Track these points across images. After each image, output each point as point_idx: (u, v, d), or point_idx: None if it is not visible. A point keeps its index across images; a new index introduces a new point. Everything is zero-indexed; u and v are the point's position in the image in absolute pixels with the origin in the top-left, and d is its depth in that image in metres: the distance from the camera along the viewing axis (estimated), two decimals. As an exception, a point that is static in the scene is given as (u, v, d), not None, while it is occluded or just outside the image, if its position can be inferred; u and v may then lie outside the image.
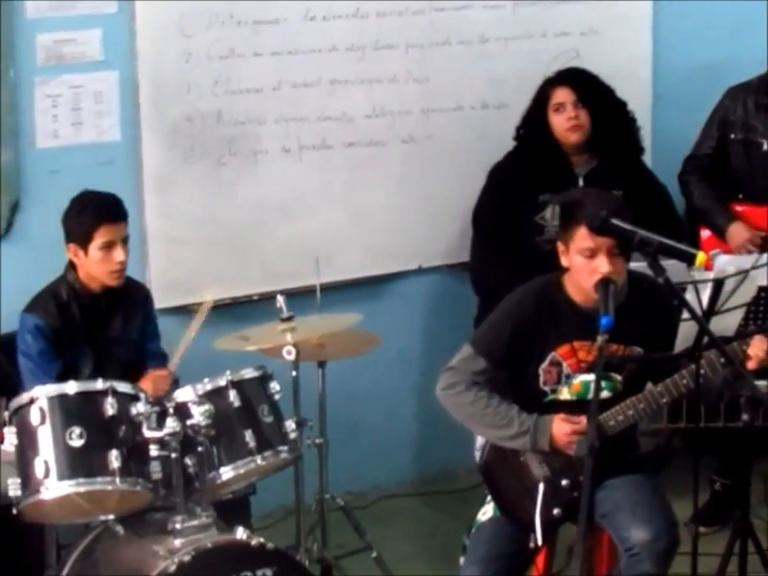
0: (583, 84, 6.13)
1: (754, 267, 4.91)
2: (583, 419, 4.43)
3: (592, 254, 4.53)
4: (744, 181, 6.13)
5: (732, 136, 6.13)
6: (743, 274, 4.77)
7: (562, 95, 6.08)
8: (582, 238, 4.54)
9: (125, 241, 5.18)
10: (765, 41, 6.12)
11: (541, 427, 4.63)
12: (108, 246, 5.11)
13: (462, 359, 4.82)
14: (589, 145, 6.08)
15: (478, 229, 6.34)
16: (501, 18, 6.61)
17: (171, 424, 4.70)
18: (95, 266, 5.15)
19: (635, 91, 6.39)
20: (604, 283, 4.43)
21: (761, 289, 4.81)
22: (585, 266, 4.56)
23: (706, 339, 4.43)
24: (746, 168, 6.14)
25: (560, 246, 4.71)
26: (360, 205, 6.49)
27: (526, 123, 6.22)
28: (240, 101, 6.19)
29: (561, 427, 4.60)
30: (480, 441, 4.97)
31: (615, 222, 4.42)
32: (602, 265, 4.50)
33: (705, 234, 5.98)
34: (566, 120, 6.06)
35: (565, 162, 6.10)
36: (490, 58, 6.62)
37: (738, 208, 6.08)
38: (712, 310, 4.53)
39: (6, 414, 4.78)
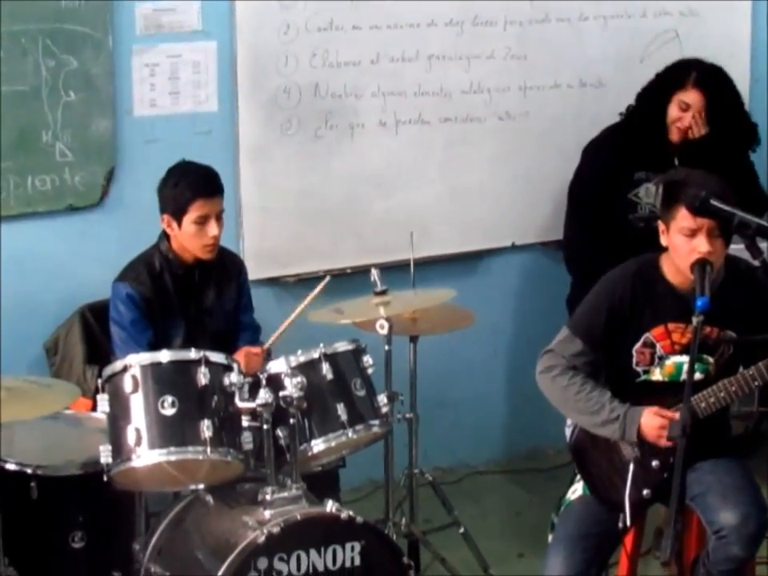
0: (718, 96, 6.08)
1: None
2: (674, 414, 4.42)
3: (692, 233, 4.50)
4: None
5: None
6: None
7: (693, 98, 6.02)
8: (684, 217, 4.50)
9: (219, 216, 5.20)
10: None
11: (630, 417, 4.60)
12: (202, 221, 5.13)
13: (560, 342, 4.81)
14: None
15: (572, 204, 6.33)
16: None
17: (264, 395, 4.70)
18: (188, 239, 5.18)
19: (733, 74, 6.28)
20: (701, 264, 4.40)
21: None
22: (684, 245, 4.52)
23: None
24: None
25: (661, 226, 4.67)
26: (455, 180, 6.49)
27: (644, 101, 6.18)
28: (338, 74, 6.19)
29: (651, 420, 4.56)
30: (569, 422, 4.96)
31: (715, 203, 4.40)
32: (701, 245, 4.47)
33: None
34: (686, 121, 6.02)
35: (665, 143, 6.05)
36: (588, 36, 6.61)
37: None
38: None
39: (99, 381, 4.80)
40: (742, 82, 6.56)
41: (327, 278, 5.30)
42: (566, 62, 6.60)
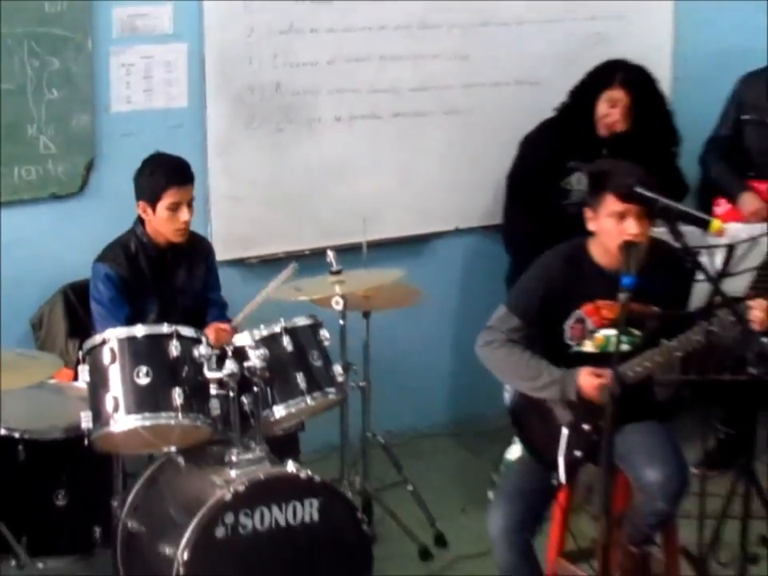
0: (642, 94, 6.13)
1: (762, 235, 4.91)
2: (607, 371, 4.43)
3: (621, 217, 4.56)
4: (755, 159, 6.12)
5: (745, 117, 6.13)
6: (754, 240, 4.77)
7: (619, 96, 6.06)
8: (612, 203, 4.56)
9: (190, 203, 5.22)
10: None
11: (569, 378, 4.64)
12: (174, 207, 5.15)
13: (498, 318, 4.84)
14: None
15: (511, 192, 6.36)
16: (537, 2, 6.60)
17: (230, 366, 4.76)
18: (162, 223, 5.19)
19: (656, 73, 6.32)
20: (628, 245, 4.44)
21: (769, 256, 4.82)
22: (613, 228, 4.58)
23: (718, 299, 4.44)
24: (757, 147, 6.13)
25: (588, 212, 4.71)
26: (404, 170, 6.51)
27: (576, 98, 6.23)
28: (297, 73, 6.20)
29: (587, 379, 4.59)
30: (508, 388, 4.99)
31: (641, 190, 4.48)
32: (631, 227, 4.53)
33: (719, 209, 5.96)
34: (613, 117, 6.08)
35: (594, 136, 6.09)
36: (525, 38, 6.63)
37: (750, 183, 6.04)
38: (724, 273, 4.52)
39: (80, 353, 4.85)
40: (665, 80, 6.60)
41: (294, 265, 5.26)
42: (505, 62, 6.62)
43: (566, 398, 4.67)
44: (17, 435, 4.98)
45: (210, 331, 5.09)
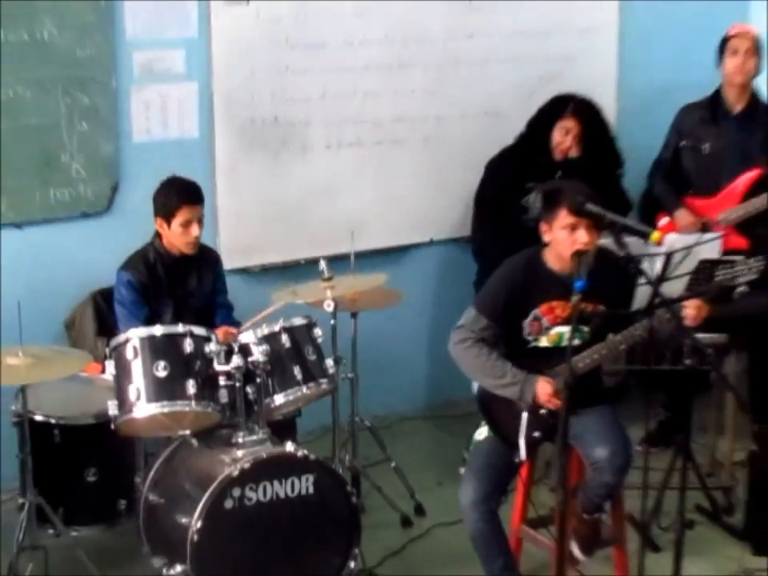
0: (590, 122, 6.13)
1: (696, 244, 4.90)
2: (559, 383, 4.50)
3: (573, 228, 4.58)
4: (691, 179, 6.13)
5: (683, 143, 6.12)
6: (688, 249, 4.76)
7: (571, 125, 6.04)
8: (565, 216, 4.60)
9: (200, 220, 5.21)
10: (712, 69, 6.08)
11: (529, 383, 4.66)
12: (187, 223, 5.14)
13: (468, 318, 4.84)
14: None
15: (478, 209, 6.35)
16: (499, 46, 6.60)
17: (236, 360, 4.76)
18: (176, 237, 5.18)
19: (602, 104, 6.34)
20: (579, 253, 4.48)
21: (701, 261, 4.79)
22: (566, 238, 4.61)
23: (657, 300, 4.43)
24: (693, 169, 6.13)
25: (543, 226, 4.74)
26: (385, 190, 6.51)
27: (532, 128, 6.21)
28: (292, 107, 6.19)
29: (544, 387, 4.62)
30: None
31: (590, 205, 4.52)
32: (581, 237, 4.57)
33: (662, 222, 5.96)
34: (564, 143, 6.05)
35: (549, 160, 6.08)
36: (489, 76, 6.61)
37: (687, 200, 6.05)
38: (663, 278, 4.51)
39: (107, 350, 4.85)
40: (611, 111, 6.62)
41: (283, 303, 5.27)
42: (472, 97, 6.60)
43: (524, 400, 4.69)
44: (53, 421, 5.03)
45: (220, 332, 5.07)
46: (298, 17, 6.10)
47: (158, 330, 4.77)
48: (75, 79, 5.67)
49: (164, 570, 4.75)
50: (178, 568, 4.64)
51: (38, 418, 4.97)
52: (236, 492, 4.58)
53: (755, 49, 5.92)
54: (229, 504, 4.58)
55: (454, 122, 6.58)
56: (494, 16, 6.55)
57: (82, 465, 5.07)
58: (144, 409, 4.68)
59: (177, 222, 5.12)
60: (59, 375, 4.87)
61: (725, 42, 5.97)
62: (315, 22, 6.14)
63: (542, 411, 4.69)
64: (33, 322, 4.97)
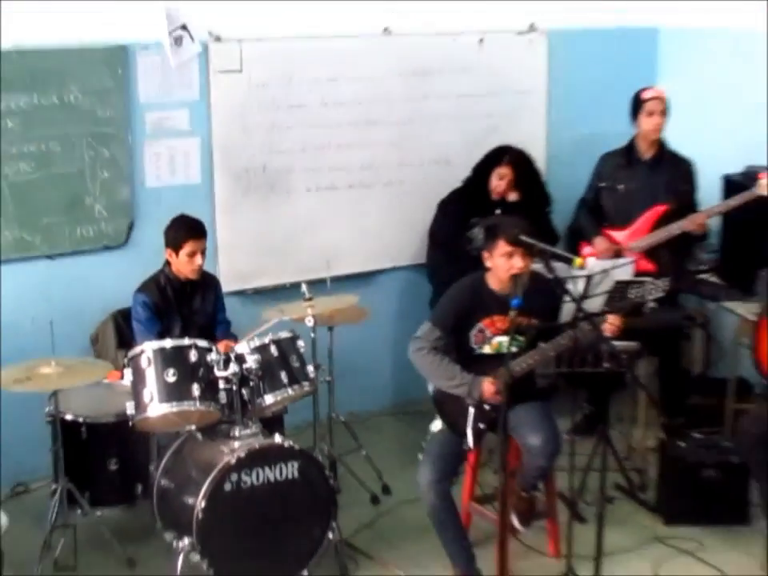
0: (523, 169, 6.14)
1: (612, 267, 4.93)
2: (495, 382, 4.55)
3: (510, 256, 4.62)
4: (609, 214, 6.12)
5: (602, 184, 6.14)
6: (605, 272, 4.79)
7: (506, 171, 6.05)
8: (503, 246, 4.64)
9: (203, 251, 5.21)
10: (627, 122, 6.10)
11: (476, 383, 4.69)
12: (192, 254, 5.15)
13: (424, 331, 4.86)
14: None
15: (432, 240, 6.36)
16: (449, 106, 6.59)
17: (233, 367, 4.78)
18: (182, 265, 5.18)
19: (534, 154, 6.38)
20: (515, 276, 4.53)
21: (616, 282, 4.81)
22: (504, 264, 4.66)
23: (580, 314, 4.45)
24: (610, 205, 6.13)
25: (485, 254, 4.78)
26: (356, 226, 6.49)
27: (476, 173, 6.20)
28: (278, 158, 6.18)
29: (488, 386, 4.66)
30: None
31: (523, 236, 4.57)
32: (517, 262, 4.62)
33: (585, 250, 5.98)
34: (500, 186, 6.06)
35: (489, 200, 6.09)
36: (441, 130, 6.61)
37: (605, 231, 6.07)
38: (584, 296, 4.53)
39: (125, 360, 4.85)
40: (541, 159, 6.64)
41: (274, 320, 5.24)
42: (427, 148, 6.60)
43: (472, 397, 4.70)
44: (80, 420, 5.03)
45: (221, 345, 5.06)
46: (282, 82, 6.09)
47: (167, 342, 4.77)
48: (97, 135, 5.67)
49: (174, 543, 4.75)
50: (186, 541, 4.64)
51: (68, 417, 4.97)
52: (234, 477, 4.60)
53: (666, 108, 5.96)
54: (228, 487, 4.59)
55: (412, 169, 6.57)
56: (444, 82, 6.54)
57: (104, 456, 5.08)
58: (156, 408, 4.69)
59: (184, 252, 5.13)
60: (85, 382, 4.87)
61: (641, 103, 5.95)
62: (297, 87, 6.13)
63: (486, 407, 4.71)
64: (63, 337, 5.01)
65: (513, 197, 6.10)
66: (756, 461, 5.01)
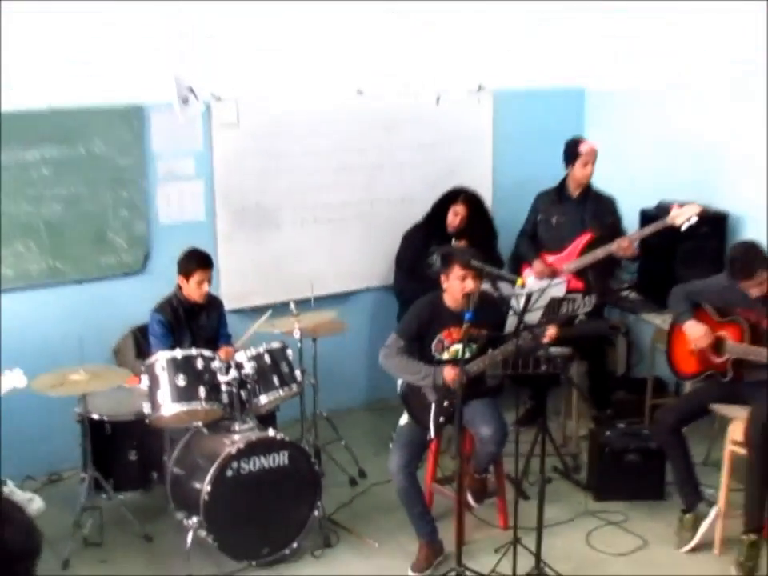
0: (474, 207, 6.13)
1: (548, 286, 4.95)
2: (458, 370, 4.50)
3: (463, 278, 4.63)
4: (544, 242, 6.14)
5: (539, 218, 6.17)
6: (542, 290, 4.81)
7: (460, 209, 6.05)
8: (458, 270, 4.66)
9: (210, 279, 5.21)
10: (559, 166, 6.14)
11: (438, 371, 4.70)
12: (200, 282, 5.14)
13: (391, 340, 4.87)
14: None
15: (398, 265, 6.34)
16: (412, 154, 6.60)
17: (233, 373, 4.84)
18: (191, 291, 5.17)
19: (483, 192, 6.42)
20: (467, 295, 4.52)
21: (551, 299, 4.83)
22: (458, 285, 4.67)
23: (522, 326, 4.49)
24: (545, 235, 6.15)
25: (442, 277, 4.80)
26: (335, 253, 6.48)
27: (435, 211, 6.18)
28: (269, 197, 6.17)
29: (448, 372, 4.65)
30: (400, 381, 4.99)
31: (474, 262, 4.61)
32: (469, 284, 4.64)
33: (525, 272, 6.00)
34: (455, 221, 6.06)
35: (447, 232, 6.10)
36: (406, 174, 6.61)
37: (542, 256, 6.08)
38: (525, 310, 4.56)
39: (142, 367, 4.87)
40: (488, 199, 6.62)
41: (268, 312, 5.30)
42: (395, 188, 6.60)
43: (437, 384, 4.70)
44: (105, 418, 5.04)
45: (221, 352, 5.06)
46: (272, 135, 6.09)
47: (178, 353, 4.79)
48: (117, 180, 5.67)
49: (184, 521, 4.77)
50: (194, 519, 4.66)
51: (94, 416, 4.97)
52: (234, 465, 4.62)
53: (595, 159, 6.03)
54: (229, 473, 4.61)
55: (382, 206, 6.56)
56: (407, 134, 6.54)
57: (125, 448, 5.07)
58: (169, 408, 4.71)
59: (193, 280, 5.12)
60: (109, 386, 4.90)
61: (578, 154, 5.97)
62: (284, 139, 6.13)
63: (445, 403, 4.73)
64: (90, 349, 5.02)
65: (464, 229, 6.10)
66: (670, 446, 5.06)
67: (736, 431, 4.80)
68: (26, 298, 5.54)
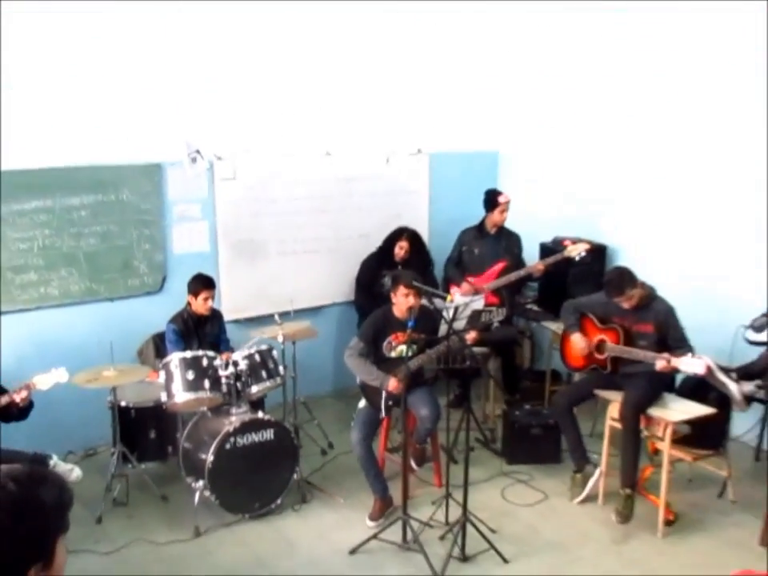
0: (415, 242, 6.15)
1: (471, 301, 4.96)
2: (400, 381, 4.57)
3: (406, 295, 4.63)
4: (468, 267, 6.14)
5: (463, 248, 6.19)
6: (466, 304, 4.82)
7: (404, 244, 6.06)
8: (402, 289, 4.66)
9: (213, 297, 5.15)
10: (479, 209, 6.15)
11: (385, 379, 4.69)
12: (205, 299, 5.09)
13: (353, 343, 4.86)
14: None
15: (357, 285, 6.31)
16: (368, 200, 6.56)
17: (231, 369, 4.78)
18: (198, 306, 5.11)
19: (421, 230, 6.44)
20: (410, 308, 4.55)
21: (473, 310, 4.83)
22: (404, 300, 4.67)
23: (451, 331, 4.47)
24: (469, 262, 6.15)
25: (391, 294, 4.79)
26: (309, 277, 6.41)
27: (386, 244, 6.17)
28: (259, 233, 6.11)
29: (392, 383, 4.65)
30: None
31: (415, 283, 4.61)
32: (411, 300, 4.63)
33: (453, 290, 6.00)
34: (400, 253, 6.07)
35: (394, 261, 6.09)
36: (363, 216, 6.57)
37: (466, 278, 6.07)
38: (453, 319, 4.57)
39: (160, 365, 4.82)
40: (425, 234, 6.62)
41: (256, 339, 5.12)
42: (354, 227, 6.55)
43: (383, 387, 4.70)
44: (131, 405, 4.96)
45: (223, 356, 4.95)
46: (261, 186, 6.04)
47: (188, 354, 4.74)
48: (141, 221, 5.60)
49: (193, 484, 4.72)
50: (200, 482, 4.62)
51: (122, 404, 4.89)
52: (232, 439, 4.58)
53: (509, 207, 6.04)
54: (228, 446, 4.57)
55: (345, 241, 6.51)
56: (365, 185, 6.53)
57: (146, 428, 5.01)
58: (181, 396, 4.66)
59: (200, 297, 5.06)
60: (134, 380, 4.83)
61: (497, 203, 5.99)
62: (270, 189, 6.09)
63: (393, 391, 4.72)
64: (119, 352, 4.97)
65: (407, 259, 6.09)
66: (564, 422, 5.09)
67: (613, 410, 4.85)
68: (68, 312, 5.45)
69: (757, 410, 5.28)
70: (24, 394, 4.32)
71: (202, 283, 5.11)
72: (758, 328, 5.16)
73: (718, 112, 5.66)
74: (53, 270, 5.34)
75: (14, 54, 4.97)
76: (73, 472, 4.60)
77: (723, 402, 4.89)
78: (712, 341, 5.20)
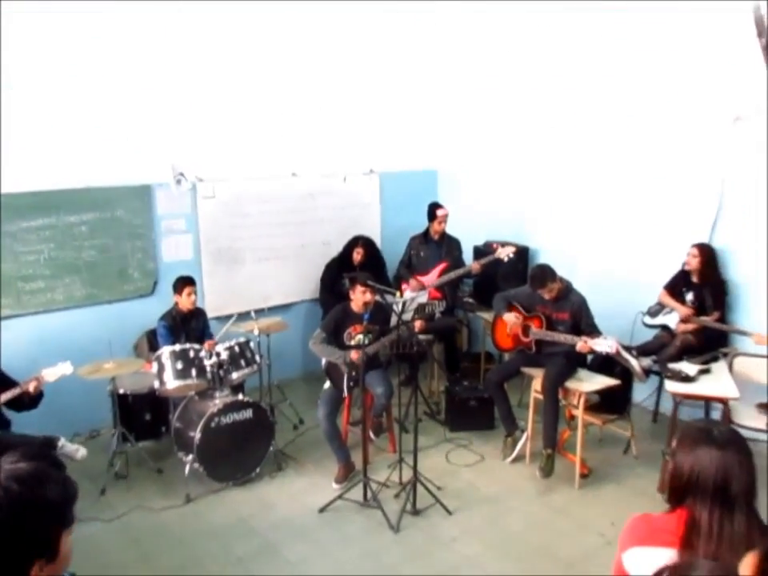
0: (370, 248, 6.11)
1: (417, 296, 4.98)
2: (359, 353, 4.49)
3: (363, 292, 4.65)
4: (416, 268, 6.15)
5: (412, 252, 6.15)
6: (413, 298, 4.84)
7: (360, 250, 6.04)
8: (360, 287, 4.68)
9: (195, 292, 5.07)
10: (423, 219, 6.15)
11: (347, 354, 4.67)
12: (188, 294, 5.02)
13: (317, 333, 4.85)
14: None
15: (322, 285, 6.28)
16: (328, 213, 6.53)
17: (214, 359, 4.71)
18: (183, 302, 5.04)
19: (375, 238, 6.44)
20: (365, 303, 4.60)
21: (419, 304, 4.87)
22: (360, 296, 4.70)
23: (401, 322, 4.47)
24: (417, 263, 6.16)
25: (350, 292, 4.79)
26: (279, 280, 6.35)
27: (345, 250, 6.14)
28: (237, 243, 6.04)
29: (353, 353, 4.63)
30: (323, 361, 4.95)
31: (370, 282, 4.61)
32: (367, 296, 4.67)
33: (404, 287, 6.02)
34: (357, 258, 6.03)
35: (353, 264, 6.05)
36: (326, 226, 6.55)
37: (414, 277, 6.08)
38: (402, 311, 4.59)
39: (153, 357, 4.73)
40: (378, 240, 6.62)
41: (235, 316, 5.18)
42: (318, 236, 6.52)
43: (346, 362, 4.68)
44: (128, 392, 4.87)
45: (206, 345, 4.90)
46: (237, 202, 5.98)
47: (177, 347, 4.68)
48: (133, 234, 5.52)
49: (183, 458, 4.67)
50: (190, 456, 4.57)
51: (121, 391, 4.82)
52: (216, 419, 4.53)
53: (447, 218, 6.03)
54: (213, 424, 4.52)
55: (310, 248, 6.47)
56: (325, 200, 6.49)
57: (142, 411, 4.94)
58: (172, 383, 4.59)
59: (184, 293, 4.99)
60: (130, 371, 4.75)
61: (436, 216, 5.99)
62: (245, 205, 6.03)
63: (354, 373, 4.71)
64: (117, 347, 4.91)
65: (364, 262, 6.06)
66: (496, 395, 5.15)
67: (537, 384, 4.92)
68: (72, 315, 5.35)
69: (653, 380, 5.42)
70: (34, 384, 4.25)
71: (184, 281, 5.06)
72: (653, 314, 5.32)
73: (608, 130, 5.76)
74: (58, 278, 5.24)
75: (15, 78, 4.85)
76: (79, 451, 4.51)
77: (626, 374, 5.03)
78: (617, 325, 5.36)
